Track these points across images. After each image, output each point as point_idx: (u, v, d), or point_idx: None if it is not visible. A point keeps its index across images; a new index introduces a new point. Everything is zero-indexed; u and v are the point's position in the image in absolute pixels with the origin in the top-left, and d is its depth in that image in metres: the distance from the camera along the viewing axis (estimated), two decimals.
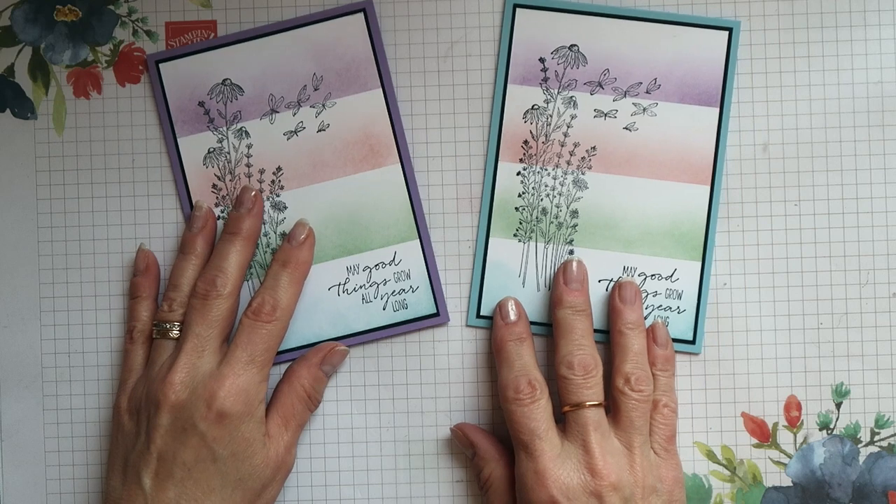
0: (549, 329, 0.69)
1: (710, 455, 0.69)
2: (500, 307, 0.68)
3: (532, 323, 0.69)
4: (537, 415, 0.64)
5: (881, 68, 0.69)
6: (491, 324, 0.69)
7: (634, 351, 0.65)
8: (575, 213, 0.69)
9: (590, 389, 0.64)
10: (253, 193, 0.68)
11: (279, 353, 0.69)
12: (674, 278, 0.69)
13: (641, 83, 0.69)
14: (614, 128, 0.69)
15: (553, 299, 0.67)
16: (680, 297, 0.69)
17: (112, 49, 0.70)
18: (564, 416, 0.65)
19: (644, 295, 0.69)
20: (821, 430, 0.69)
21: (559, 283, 0.67)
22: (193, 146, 0.70)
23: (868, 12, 0.69)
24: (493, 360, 0.69)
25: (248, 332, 0.65)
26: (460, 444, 0.68)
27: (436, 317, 0.69)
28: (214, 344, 0.65)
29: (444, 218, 0.70)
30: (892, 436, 0.69)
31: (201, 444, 0.63)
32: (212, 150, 0.70)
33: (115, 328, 0.70)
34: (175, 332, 0.66)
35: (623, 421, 0.64)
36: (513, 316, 0.67)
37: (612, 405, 0.65)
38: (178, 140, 0.70)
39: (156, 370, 0.65)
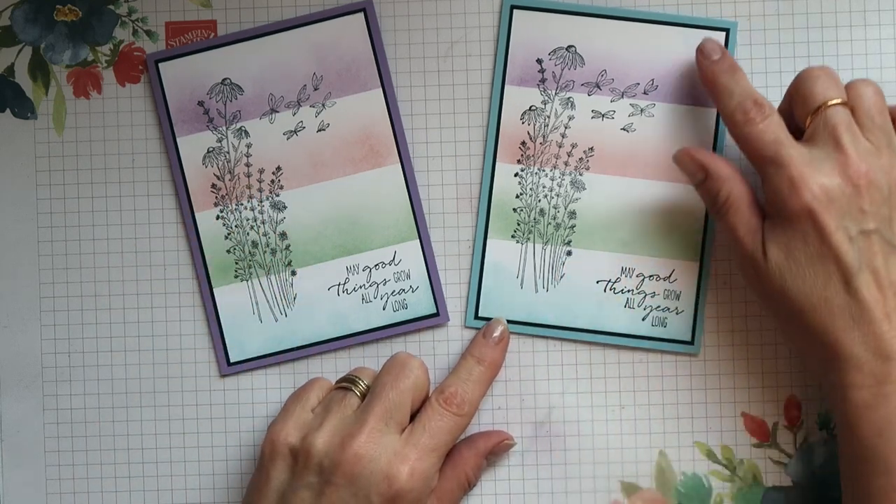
0: (549, 330, 0.69)
1: (710, 455, 0.69)
2: (702, 48, 0.65)
3: (532, 324, 0.69)
4: (774, 127, 0.61)
5: (881, 68, 0.69)
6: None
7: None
8: (573, 214, 0.69)
9: (829, 89, 0.62)
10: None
11: (281, 352, 0.69)
12: (672, 279, 0.69)
13: (639, 84, 0.69)
14: (612, 129, 0.69)
15: None
16: (678, 297, 0.69)
17: (112, 49, 0.70)
18: (806, 129, 0.62)
19: (642, 296, 0.69)
20: (821, 429, 0.69)
21: None
22: (193, 146, 0.70)
23: (868, 12, 0.69)
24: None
25: (436, 418, 0.64)
26: (686, 170, 0.65)
27: (436, 317, 0.69)
28: (402, 416, 0.64)
29: (444, 218, 0.70)
30: None
31: None
32: (211, 149, 0.70)
33: (115, 328, 0.70)
34: (363, 387, 0.65)
35: (862, 121, 0.62)
36: (716, 54, 0.65)
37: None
38: (178, 140, 0.70)
39: (338, 422, 0.63)
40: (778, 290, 0.61)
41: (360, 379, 0.65)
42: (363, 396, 0.65)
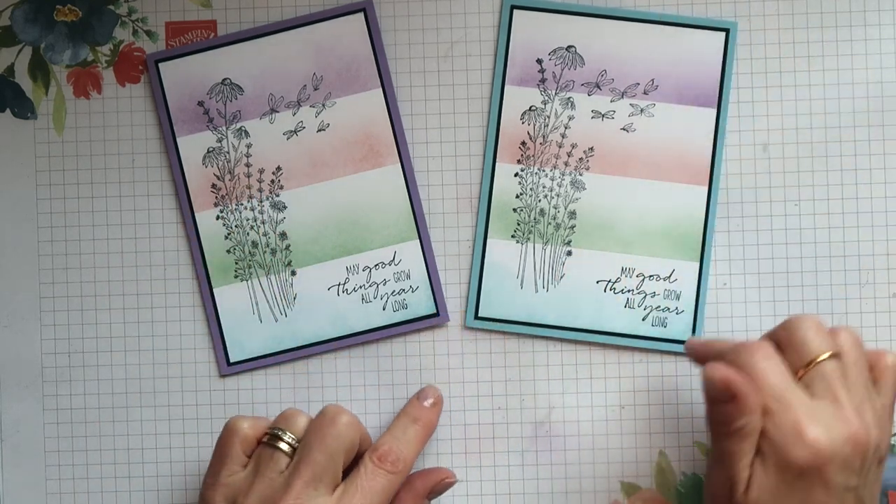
0: (549, 330, 0.69)
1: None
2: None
3: (531, 324, 0.69)
4: (785, 368, 0.60)
5: (881, 68, 0.69)
6: (491, 325, 0.69)
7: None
8: (573, 214, 0.69)
9: (822, 343, 0.61)
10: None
11: (281, 352, 0.69)
12: (672, 279, 0.69)
13: (639, 84, 0.69)
14: (612, 129, 0.69)
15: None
16: (678, 297, 0.69)
17: (112, 49, 0.70)
18: (800, 378, 0.60)
19: (642, 296, 0.69)
20: None
21: None
22: (193, 146, 0.70)
23: (868, 12, 0.69)
24: (493, 360, 0.69)
25: (370, 477, 0.63)
26: (712, 388, 0.59)
27: (435, 317, 0.69)
28: (331, 477, 0.62)
29: (444, 218, 0.70)
30: (892, 436, 0.69)
31: None
32: (211, 149, 0.70)
33: (114, 328, 0.70)
34: (290, 441, 0.64)
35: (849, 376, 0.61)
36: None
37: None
38: (178, 140, 0.70)
39: (266, 487, 0.62)
40: None
41: (285, 432, 0.64)
42: (293, 450, 0.63)
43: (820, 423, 0.58)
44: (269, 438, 0.64)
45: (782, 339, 0.61)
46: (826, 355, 0.60)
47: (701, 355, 0.63)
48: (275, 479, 0.62)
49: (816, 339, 0.61)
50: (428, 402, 0.68)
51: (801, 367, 0.60)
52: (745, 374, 0.59)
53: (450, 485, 0.68)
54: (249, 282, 0.70)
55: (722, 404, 0.59)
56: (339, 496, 0.62)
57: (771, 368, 0.59)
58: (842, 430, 0.58)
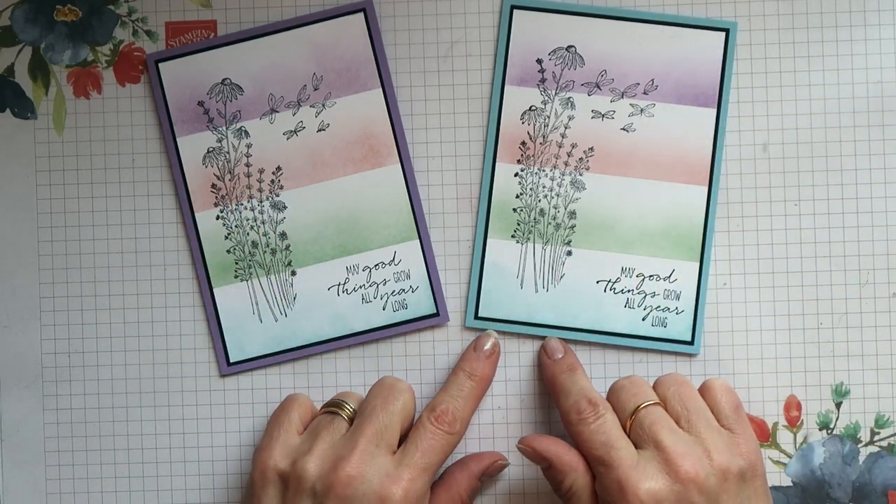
0: (549, 330, 0.69)
1: None
2: (546, 347, 0.68)
3: (531, 324, 0.69)
4: (605, 428, 0.63)
5: (881, 68, 0.69)
6: (491, 325, 0.69)
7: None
8: (573, 214, 0.69)
9: (637, 395, 0.64)
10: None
11: (281, 352, 0.69)
12: (672, 279, 0.69)
13: (639, 84, 0.69)
14: (612, 129, 0.69)
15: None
16: (678, 297, 0.69)
17: (112, 49, 0.70)
18: (630, 435, 0.63)
19: (642, 296, 0.69)
20: (821, 429, 0.69)
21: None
22: (193, 146, 0.70)
23: (868, 12, 0.69)
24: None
25: (428, 438, 0.64)
26: (529, 459, 0.65)
27: (435, 317, 0.69)
28: (391, 438, 0.64)
29: (444, 218, 0.70)
30: (892, 436, 0.69)
31: None
32: (211, 149, 0.70)
33: (115, 328, 0.70)
34: (350, 411, 0.65)
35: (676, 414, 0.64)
36: (559, 353, 0.68)
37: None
38: (178, 140, 0.70)
39: (328, 446, 0.63)
40: None
41: (346, 403, 0.65)
42: (351, 420, 0.65)
43: (642, 474, 0.61)
44: (330, 407, 0.65)
45: (611, 401, 0.65)
46: (645, 404, 0.63)
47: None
48: (337, 440, 0.63)
49: (629, 394, 0.64)
50: (487, 349, 0.68)
51: (627, 422, 0.63)
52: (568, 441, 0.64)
53: (503, 467, 0.69)
54: (249, 282, 0.70)
55: (547, 471, 0.65)
56: (399, 456, 0.63)
57: (596, 430, 0.63)
58: (665, 473, 0.61)
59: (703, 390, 0.66)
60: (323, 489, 0.61)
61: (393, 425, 0.64)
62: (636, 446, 0.62)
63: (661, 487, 0.60)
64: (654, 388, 0.65)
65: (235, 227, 0.70)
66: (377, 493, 0.61)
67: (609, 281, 0.69)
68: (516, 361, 0.69)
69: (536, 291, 0.69)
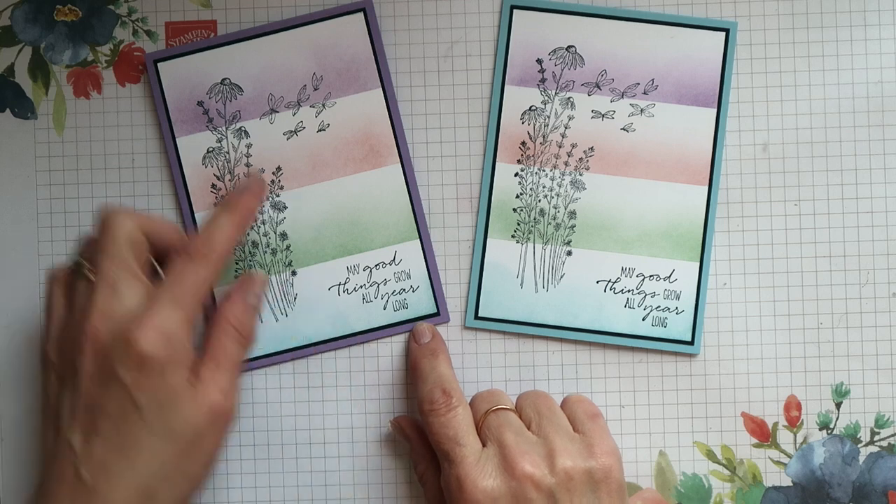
0: (549, 330, 0.69)
1: (710, 455, 0.69)
2: (414, 331, 0.69)
3: (531, 324, 0.69)
4: (454, 423, 0.63)
5: (881, 68, 0.69)
6: (490, 325, 0.69)
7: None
8: (573, 214, 0.69)
9: (491, 402, 0.65)
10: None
11: (282, 352, 0.69)
12: (672, 279, 0.69)
13: (639, 84, 0.69)
14: (612, 129, 0.69)
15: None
16: (678, 297, 0.69)
17: (112, 49, 0.70)
18: (479, 432, 0.64)
19: (642, 296, 0.69)
20: (821, 429, 0.69)
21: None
22: (192, 146, 0.70)
23: (868, 12, 0.69)
24: (493, 360, 0.69)
25: (176, 271, 0.61)
26: (399, 437, 0.68)
27: (436, 316, 0.69)
28: (130, 278, 0.60)
29: (444, 218, 0.70)
30: (892, 436, 0.69)
31: (124, 392, 0.58)
32: (211, 149, 0.70)
33: None
34: (90, 272, 0.61)
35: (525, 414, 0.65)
36: (425, 338, 0.68)
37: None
38: (178, 140, 0.70)
39: (76, 314, 0.61)
40: None
41: (83, 263, 0.62)
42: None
43: (481, 472, 0.61)
44: (73, 271, 0.63)
45: (471, 404, 0.66)
46: (496, 407, 0.64)
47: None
48: (82, 304, 0.60)
49: (485, 399, 0.65)
50: (244, 187, 0.66)
51: (478, 422, 0.64)
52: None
53: (263, 280, 0.65)
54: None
55: (410, 452, 0.68)
56: (148, 295, 0.60)
57: (445, 423, 0.63)
58: (503, 471, 0.61)
59: (563, 402, 0.66)
60: (77, 352, 0.59)
61: (123, 265, 0.60)
62: (484, 445, 0.63)
63: (497, 486, 0.61)
64: (516, 401, 0.66)
65: None
66: (121, 339, 0.58)
67: (609, 281, 0.69)
68: (516, 361, 0.69)
69: (536, 291, 0.69)
